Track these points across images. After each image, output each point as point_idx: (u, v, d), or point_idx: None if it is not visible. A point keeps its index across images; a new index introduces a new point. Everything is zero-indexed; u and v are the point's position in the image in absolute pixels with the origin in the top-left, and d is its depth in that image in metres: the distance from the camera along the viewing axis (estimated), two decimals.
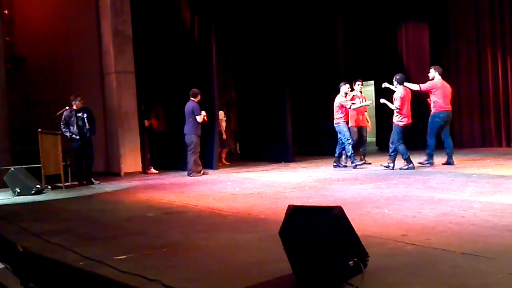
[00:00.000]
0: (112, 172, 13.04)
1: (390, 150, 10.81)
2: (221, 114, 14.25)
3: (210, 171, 12.35)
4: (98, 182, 11.40)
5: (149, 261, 4.71)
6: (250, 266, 4.34)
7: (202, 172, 11.73)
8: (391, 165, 10.74)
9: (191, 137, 11.63)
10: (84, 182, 11.36)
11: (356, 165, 11.41)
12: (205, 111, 11.77)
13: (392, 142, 10.73)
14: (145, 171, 13.06)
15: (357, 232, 3.89)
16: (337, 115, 11.70)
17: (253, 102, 14.81)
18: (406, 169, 10.44)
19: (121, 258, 4.76)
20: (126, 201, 8.78)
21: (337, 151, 11.83)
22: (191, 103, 11.67)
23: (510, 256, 4.10)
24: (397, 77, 10.85)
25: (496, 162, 10.94)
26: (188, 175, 11.63)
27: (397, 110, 10.57)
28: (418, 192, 7.65)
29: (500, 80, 14.51)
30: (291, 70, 14.82)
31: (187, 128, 11.70)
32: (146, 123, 13.16)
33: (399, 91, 10.68)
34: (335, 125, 11.77)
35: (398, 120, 10.63)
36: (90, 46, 13.66)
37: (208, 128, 13.36)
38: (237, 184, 9.94)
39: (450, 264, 4.03)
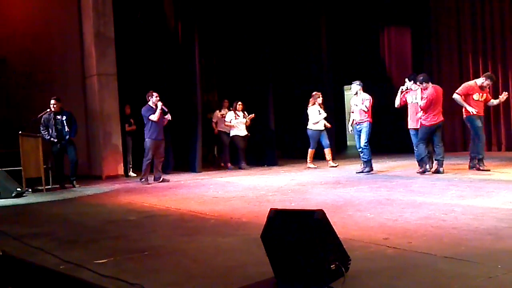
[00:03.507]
0: (93, 175, 12.94)
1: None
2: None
3: (192, 175, 12.33)
4: (78, 186, 11.25)
5: (130, 264, 4.67)
6: (232, 269, 4.33)
7: (146, 181, 11.09)
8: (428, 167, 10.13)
9: (146, 141, 11.17)
10: (66, 185, 11.25)
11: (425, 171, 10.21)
12: (162, 105, 11.03)
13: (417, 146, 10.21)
14: (127, 174, 12.98)
15: (339, 236, 3.89)
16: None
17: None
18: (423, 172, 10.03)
19: (101, 262, 4.72)
20: (107, 204, 8.71)
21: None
22: (145, 106, 11.20)
23: (490, 260, 4.13)
24: (420, 77, 10.17)
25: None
26: (155, 180, 11.26)
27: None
28: (400, 195, 7.69)
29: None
30: (274, 72, 14.83)
31: (145, 133, 11.26)
32: (127, 127, 13.10)
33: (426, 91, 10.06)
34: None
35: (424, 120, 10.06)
36: (72, 48, 13.56)
37: (190, 130, 13.35)
38: (220, 187, 9.91)
39: (431, 267, 4.05)
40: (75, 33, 13.45)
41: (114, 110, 13.02)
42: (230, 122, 13.52)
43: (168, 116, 11.28)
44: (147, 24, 13.98)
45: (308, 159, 12.91)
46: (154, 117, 10.98)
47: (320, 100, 12.87)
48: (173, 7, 13.89)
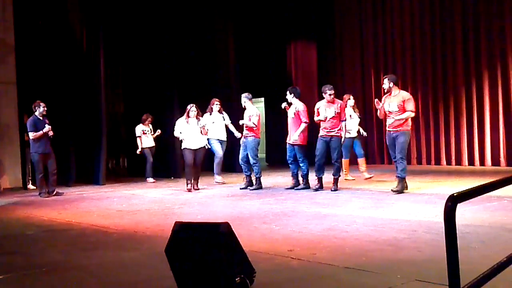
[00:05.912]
0: None
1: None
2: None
3: (96, 187, 12.00)
4: None
5: (26, 281, 4.47)
6: (135, 285, 4.22)
7: (45, 193, 10.58)
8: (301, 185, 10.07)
9: (33, 155, 10.67)
10: None
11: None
12: (50, 126, 10.55)
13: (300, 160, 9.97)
14: (25, 186, 12.43)
15: (244, 248, 3.88)
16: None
17: (142, 115, 14.55)
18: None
19: None
20: (4, 218, 8.28)
21: None
22: (31, 117, 10.66)
23: (390, 270, 4.25)
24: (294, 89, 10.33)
25: (378, 179, 11.41)
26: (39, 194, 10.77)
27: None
28: (305, 207, 7.82)
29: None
30: (181, 84, 14.70)
31: (31, 146, 10.77)
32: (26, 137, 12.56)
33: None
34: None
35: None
36: None
37: (94, 141, 12.97)
38: (124, 200, 9.69)
39: (334, 278, 4.12)
40: None
41: (13, 120, 12.47)
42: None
43: (50, 132, 10.58)
44: (50, 31, 13.48)
45: None
46: (32, 135, 10.46)
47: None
48: (78, 14, 13.47)
